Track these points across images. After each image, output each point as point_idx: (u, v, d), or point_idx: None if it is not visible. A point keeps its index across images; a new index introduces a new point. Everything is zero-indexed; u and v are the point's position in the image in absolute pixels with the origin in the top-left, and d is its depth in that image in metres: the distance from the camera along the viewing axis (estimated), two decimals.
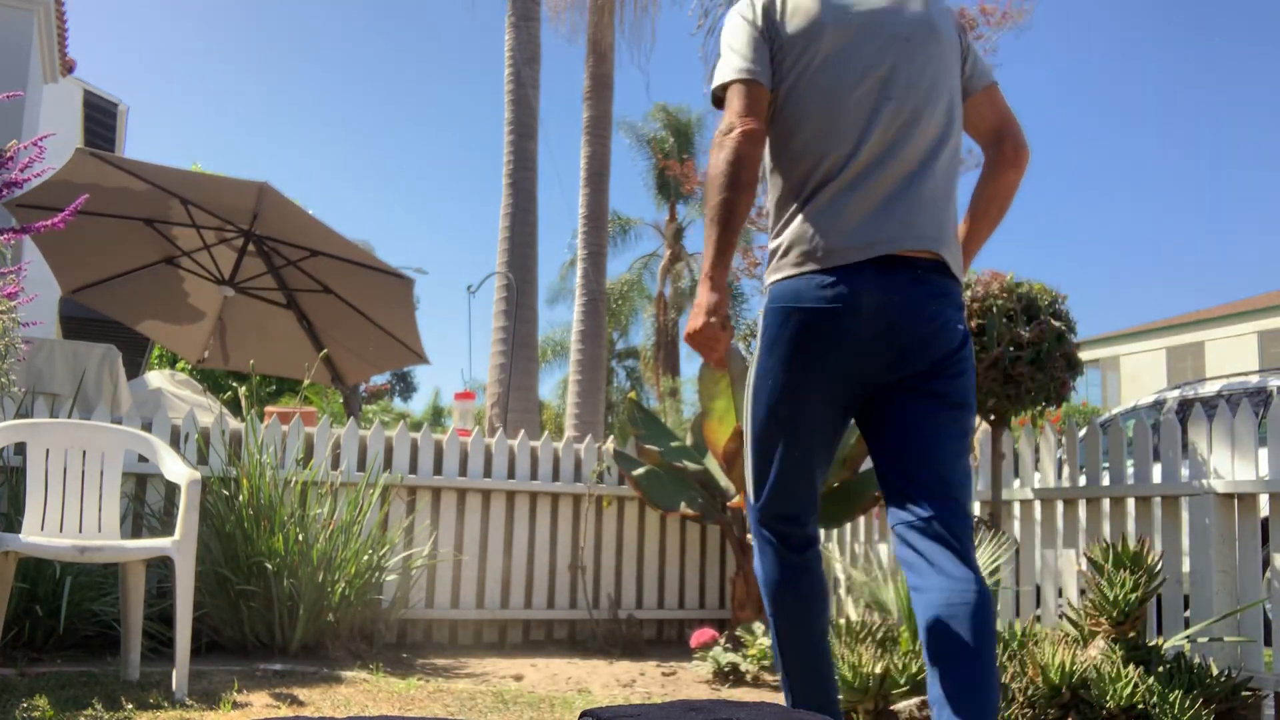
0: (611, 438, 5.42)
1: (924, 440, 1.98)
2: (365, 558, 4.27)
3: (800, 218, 2.01)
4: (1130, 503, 3.89)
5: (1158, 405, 6.73)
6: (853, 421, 2.12)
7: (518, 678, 3.88)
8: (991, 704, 1.80)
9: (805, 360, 1.98)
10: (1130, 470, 3.93)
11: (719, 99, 2.09)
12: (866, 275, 1.94)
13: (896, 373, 1.99)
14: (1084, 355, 5.38)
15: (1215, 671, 2.90)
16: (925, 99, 2.06)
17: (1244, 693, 2.91)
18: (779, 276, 2.02)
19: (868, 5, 2.10)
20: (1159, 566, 3.07)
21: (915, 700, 3.03)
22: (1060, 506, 4.14)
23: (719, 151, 2.00)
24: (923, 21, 2.10)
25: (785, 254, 2.02)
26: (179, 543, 3.16)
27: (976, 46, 2.26)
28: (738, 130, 2.00)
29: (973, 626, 1.82)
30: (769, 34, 2.09)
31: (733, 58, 2.08)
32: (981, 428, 4.33)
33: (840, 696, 3.08)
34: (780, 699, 3.62)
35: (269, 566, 4.01)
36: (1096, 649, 2.95)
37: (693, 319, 2.00)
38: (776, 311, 2.00)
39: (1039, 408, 4.05)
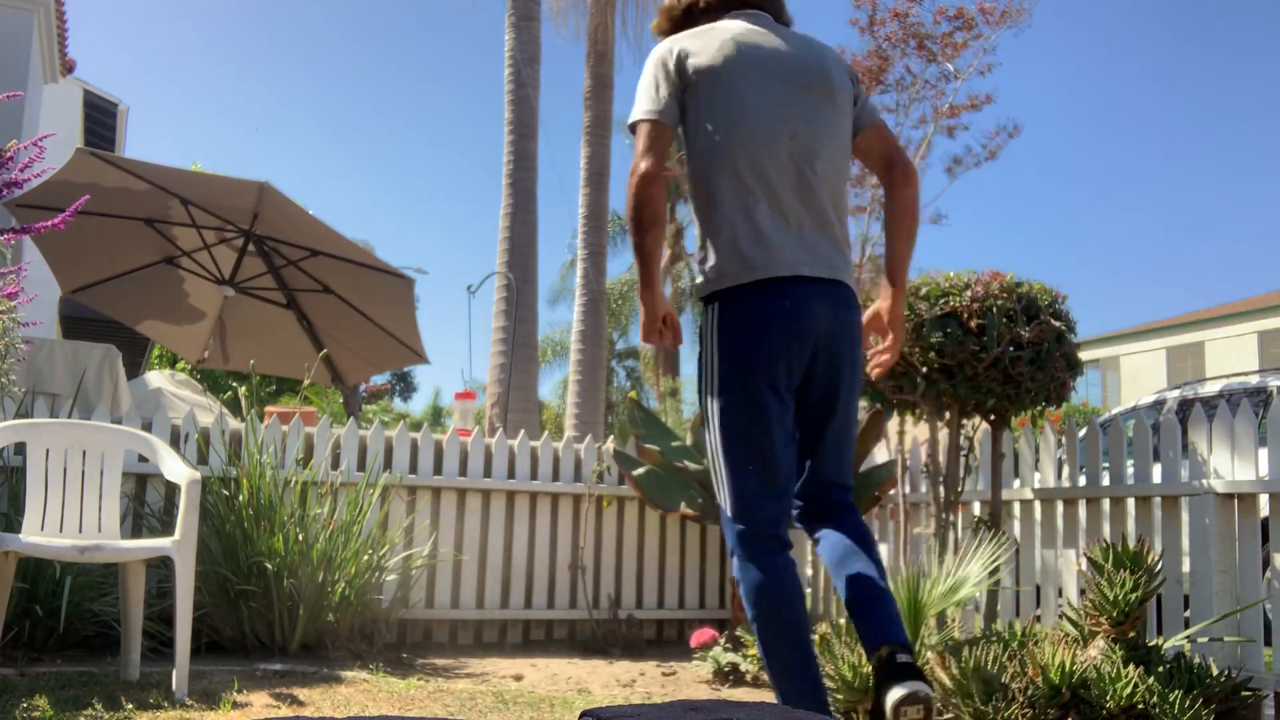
0: (611, 438, 5.42)
1: None
2: (365, 558, 4.27)
3: (725, 237, 2.34)
4: (1130, 503, 3.89)
5: (1158, 405, 6.73)
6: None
7: (518, 678, 3.88)
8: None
9: (766, 353, 2.32)
10: (1130, 470, 3.93)
11: (633, 130, 2.41)
12: (778, 290, 2.29)
13: (809, 375, 2.38)
14: (1084, 355, 5.37)
15: (1215, 671, 2.90)
16: (820, 140, 2.40)
17: (1244, 693, 2.91)
18: (721, 286, 2.33)
19: (773, 53, 2.43)
20: (1159, 566, 3.07)
21: None
22: (1060, 506, 4.14)
23: (628, 191, 2.34)
24: (820, 71, 2.45)
25: (715, 269, 2.35)
26: (179, 543, 3.16)
27: (863, 92, 2.60)
28: (637, 174, 2.33)
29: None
30: (681, 77, 2.39)
31: (643, 97, 2.39)
32: (981, 428, 4.33)
33: (840, 696, 3.09)
34: None
35: (269, 566, 4.01)
36: (1096, 649, 2.95)
37: (643, 330, 2.38)
38: (732, 313, 2.32)
39: (1039, 408, 4.05)
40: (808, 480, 2.44)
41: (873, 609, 2.23)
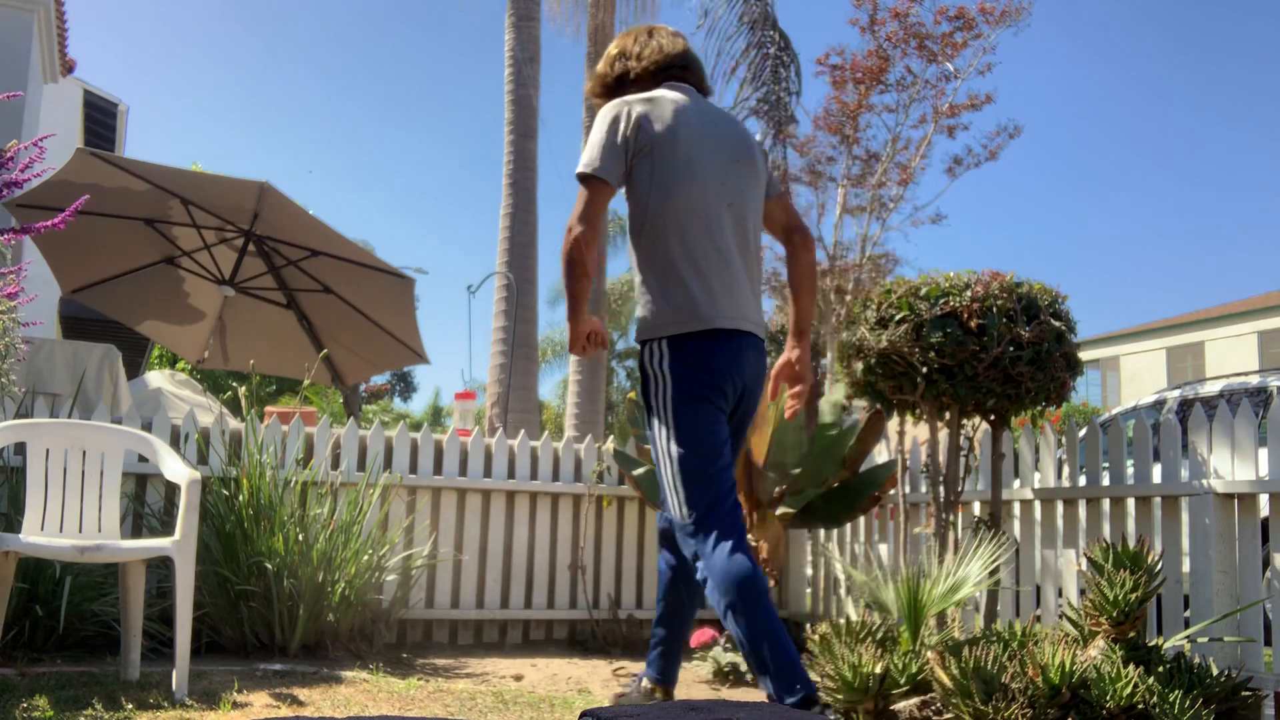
0: (611, 438, 5.42)
1: None
2: (365, 558, 4.27)
3: (669, 288, 2.59)
4: (1130, 503, 3.89)
5: (1158, 405, 6.73)
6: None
7: (518, 678, 3.88)
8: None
9: (711, 384, 2.60)
10: (1130, 470, 3.93)
11: (584, 179, 2.60)
12: (721, 339, 2.58)
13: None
14: (1084, 355, 5.38)
15: (1215, 671, 2.90)
16: (748, 208, 2.71)
17: (1244, 693, 2.91)
18: (670, 332, 2.59)
19: (712, 126, 2.70)
20: (1159, 566, 3.07)
21: (915, 700, 3.03)
22: (1060, 506, 4.14)
23: (564, 247, 2.57)
24: (745, 146, 2.76)
25: (662, 315, 2.61)
26: (179, 543, 3.16)
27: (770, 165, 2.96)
28: (574, 236, 2.55)
29: None
30: (638, 139, 2.61)
31: (597, 153, 2.59)
32: (981, 428, 4.33)
33: (840, 696, 3.09)
34: None
35: (269, 566, 4.01)
36: (1096, 649, 2.95)
37: (570, 344, 2.60)
38: (678, 346, 2.58)
39: (1039, 408, 4.05)
40: None
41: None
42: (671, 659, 2.96)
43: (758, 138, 10.96)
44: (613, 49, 2.87)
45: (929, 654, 3.00)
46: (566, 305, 2.63)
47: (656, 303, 2.63)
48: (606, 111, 2.64)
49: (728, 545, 2.46)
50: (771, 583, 4.63)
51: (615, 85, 2.83)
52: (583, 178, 2.59)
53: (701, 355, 2.55)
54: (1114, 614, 2.93)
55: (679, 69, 2.79)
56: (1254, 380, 6.30)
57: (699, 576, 2.50)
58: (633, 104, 2.63)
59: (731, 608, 2.41)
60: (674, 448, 2.54)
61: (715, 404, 2.57)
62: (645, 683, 3.00)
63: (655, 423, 2.60)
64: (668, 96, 2.67)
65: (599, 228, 2.61)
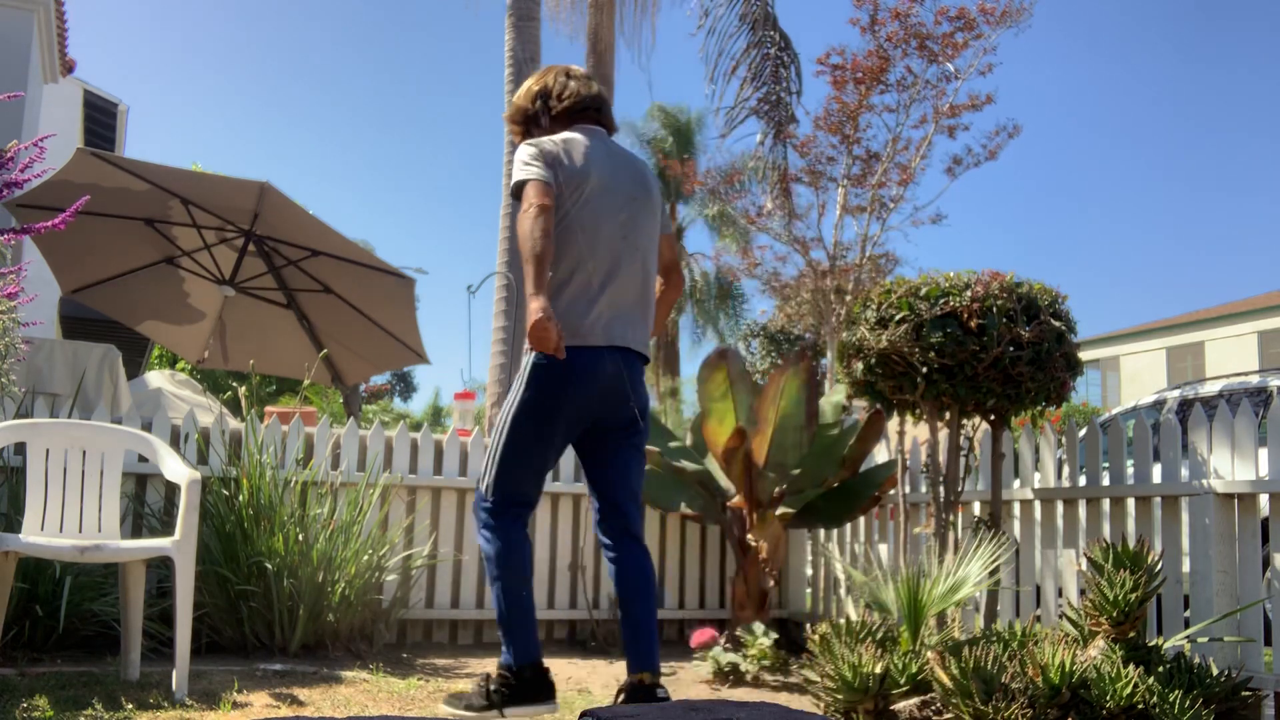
0: None
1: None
2: (365, 558, 4.27)
3: (566, 308, 2.84)
4: (1130, 503, 3.89)
5: (1158, 405, 6.73)
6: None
7: None
8: (652, 632, 2.99)
9: (564, 401, 2.86)
10: (1130, 470, 3.93)
11: (518, 192, 2.85)
12: (605, 355, 2.86)
13: (606, 421, 2.96)
14: (1084, 355, 5.38)
15: (1215, 671, 2.90)
16: (647, 243, 3.02)
17: (1244, 693, 2.91)
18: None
19: (618, 167, 3.00)
20: (1159, 566, 3.07)
21: (915, 700, 3.03)
22: (1060, 506, 4.14)
23: (528, 219, 2.76)
24: (645, 185, 3.06)
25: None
26: (179, 543, 3.16)
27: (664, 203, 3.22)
28: (537, 205, 2.78)
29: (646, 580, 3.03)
30: (559, 172, 2.88)
31: (533, 167, 2.85)
32: (981, 428, 4.33)
33: (840, 696, 3.09)
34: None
35: (269, 566, 4.01)
36: (1096, 649, 2.95)
37: (529, 322, 2.67)
38: (547, 367, 2.81)
39: (1039, 408, 4.05)
40: (603, 498, 3.03)
41: (641, 635, 2.95)
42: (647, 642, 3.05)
43: (757, 137, 10.99)
44: (535, 85, 3.15)
45: (929, 654, 3.00)
46: (528, 273, 2.73)
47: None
48: (527, 148, 2.93)
49: (515, 529, 2.90)
50: (771, 583, 4.63)
51: (533, 118, 3.13)
52: (521, 183, 2.85)
53: (562, 368, 2.81)
54: (1114, 614, 2.93)
55: (594, 111, 3.11)
56: (1254, 380, 6.30)
57: (481, 541, 2.91)
58: (547, 144, 2.93)
59: (500, 578, 2.85)
60: (503, 439, 2.87)
61: (558, 415, 2.85)
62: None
63: (503, 411, 2.90)
64: (579, 139, 2.98)
65: (553, 212, 2.84)
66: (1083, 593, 3.86)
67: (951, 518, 4.15)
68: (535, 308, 2.68)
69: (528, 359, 2.86)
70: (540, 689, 2.82)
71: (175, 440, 4.50)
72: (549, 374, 2.82)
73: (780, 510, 4.59)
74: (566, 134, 3.00)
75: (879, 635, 3.39)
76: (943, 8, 10.72)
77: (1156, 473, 4.20)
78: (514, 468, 2.88)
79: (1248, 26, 52.22)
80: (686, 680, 4.02)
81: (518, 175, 2.89)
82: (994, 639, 3.21)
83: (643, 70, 29.00)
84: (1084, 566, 3.23)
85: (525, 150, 2.95)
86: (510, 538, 2.88)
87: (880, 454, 5.10)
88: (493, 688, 2.80)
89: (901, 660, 3.09)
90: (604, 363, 2.86)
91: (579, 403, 2.86)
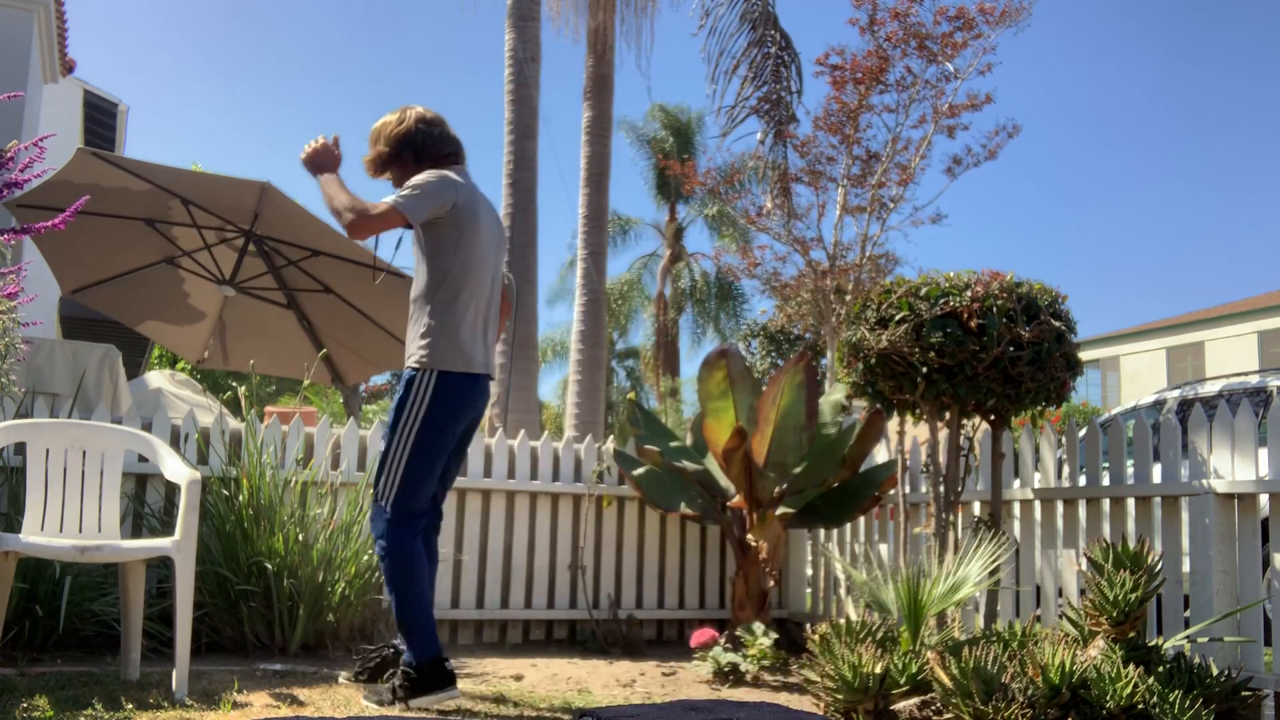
0: (611, 438, 5.42)
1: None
2: (365, 558, 4.27)
3: (451, 335, 3.21)
4: (1130, 503, 3.89)
5: (1158, 405, 6.73)
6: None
7: (518, 678, 3.88)
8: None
9: (460, 417, 3.28)
10: (1130, 470, 3.93)
11: (388, 205, 3.10)
12: (483, 381, 3.31)
13: (464, 437, 3.39)
14: (1084, 355, 5.38)
15: (1215, 671, 2.90)
16: (498, 275, 3.41)
17: (1244, 693, 2.91)
18: (443, 368, 3.19)
19: (488, 211, 3.36)
20: (1159, 566, 3.07)
21: (915, 700, 3.03)
22: (1060, 506, 4.14)
23: (371, 212, 3.07)
24: (501, 227, 3.46)
25: (440, 353, 3.20)
26: (179, 543, 3.16)
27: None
28: (386, 222, 3.09)
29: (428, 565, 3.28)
30: (454, 210, 3.20)
31: (420, 200, 3.13)
32: (982, 428, 4.33)
33: (840, 696, 3.09)
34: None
35: (269, 566, 4.01)
36: (1096, 649, 2.95)
37: (310, 150, 3.28)
38: (450, 387, 3.20)
39: (1039, 408, 4.05)
40: (434, 499, 3.37)
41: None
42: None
43: (758, 137, 10.98)
44: (407, 126, 3.36)
45: (929, 654, 3.00)
46: (335, 193, 3.15)
47: (439, 342, 3.22)
48: (440, 175, 3.22)
49: (414, 540, 3.19)
50: (771, 583, 4.63)
51: (408, 158, 3.35)
52: (394, 211, 3.09)
53: (460, 391, 3.21)
54: (1114, 614, 2.93)
55: (461, 155, 3.41)
56: (1254, 380, 6.30)
57: (378, 551, 3.19)
58: (459, 182, 3.24)
59: (394, 582, 3.14)
60: (408, 454, 3.17)
61: (452, 430, 3.23)
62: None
63: (401, 427, 3.17)
64: (472, 183, 3.33)
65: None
66: (1083, 593, 3.86)
67: (951, 518, 4.15)
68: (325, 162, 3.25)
69: (426, 378, 3.18)
70: (440, 679, 3.09)
71: (175, 440, 4.50)
72: (451, 392, 3.20)
73: (780, 510, 4.59)
74: (460, 177, 3.29)
75: (879, 635, 3.39)
76: (942, 8, 10.71)
77: (1156, 473, 4.20)
78: (420, 479, 3.19)
79: (1248, 27, 52.25)
80: (686, 680, 4.02)
81: (408, 198, 3.12)
82: (994, 639, 3.22)
83: (643, 71, 29.03)
84: (1084, 566, 3.23)
85: (436, 175, 3.22)
86: (410, 548, 3.18)
87: (880, 454, 5.10)
88: (398, 683, 3.09)
89: (901, 660, 3.09)
90: (485, 387, 3.32)
91: (465, 419, 3.27)
